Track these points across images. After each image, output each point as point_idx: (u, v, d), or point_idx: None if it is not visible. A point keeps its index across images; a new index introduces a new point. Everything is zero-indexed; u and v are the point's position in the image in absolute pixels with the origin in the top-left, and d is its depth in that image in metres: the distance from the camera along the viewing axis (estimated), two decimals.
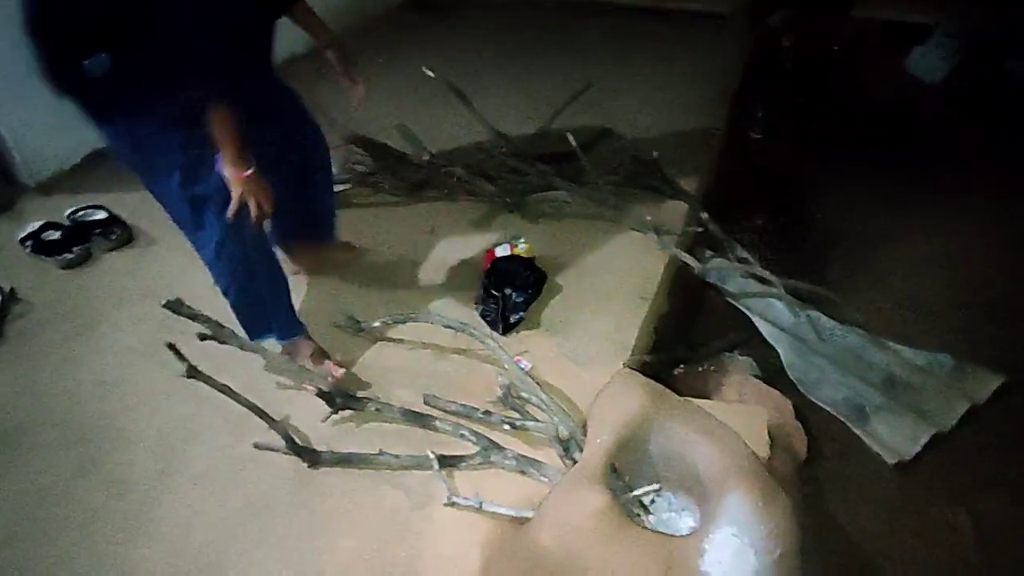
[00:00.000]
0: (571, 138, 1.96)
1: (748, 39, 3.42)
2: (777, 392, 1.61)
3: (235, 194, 1.29)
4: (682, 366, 1.75)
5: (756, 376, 1.71)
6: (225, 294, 1.46)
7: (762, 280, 1.90)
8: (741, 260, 1.97)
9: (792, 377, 1.71)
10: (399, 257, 1.91)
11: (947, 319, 1.88)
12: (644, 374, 1.58)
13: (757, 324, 1.87)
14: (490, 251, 1.81)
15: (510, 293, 1.65)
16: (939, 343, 1.75)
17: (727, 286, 2.00)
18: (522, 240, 1.85)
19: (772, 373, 1.75)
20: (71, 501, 1.32)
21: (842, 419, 1.59)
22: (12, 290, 1.82)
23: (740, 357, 1.83)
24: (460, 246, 1.93)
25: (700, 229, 1.99)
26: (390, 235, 1.98)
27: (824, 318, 1.86)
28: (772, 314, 1.90)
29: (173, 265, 1.91)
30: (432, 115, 2.43)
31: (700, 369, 1.74)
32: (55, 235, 1.96)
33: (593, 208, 2.02)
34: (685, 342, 1.88)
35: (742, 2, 3.52)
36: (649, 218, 1.94)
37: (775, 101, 3.10)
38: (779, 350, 1.78)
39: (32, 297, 1.82)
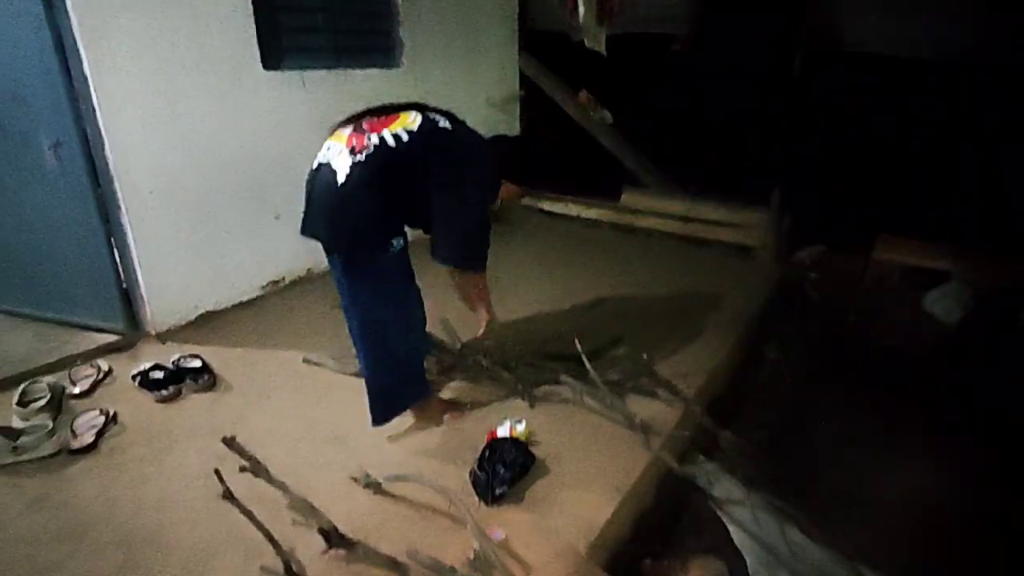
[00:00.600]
0: (578, 344, 2.34)
1: (775, 270, 3.84)
2: None
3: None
4: (649, 559, 1.90)
5: None
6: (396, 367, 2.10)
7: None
8: (728, 468, 2.17)
9: None
10: (419, 425, 2.25)
11: (921, 554, 1.94)
12: (612, 561, 1.77)
13: (730, 530, 2.00)
14: (492, 430, 2.12)
15: (499, 469, 1.92)
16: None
17: (712, 491, 2.17)
18: (522, 424, 2.15)
19: None
20: None
21: None
22: (115, 413, 2.28)
23: (713, 560, 1.95)
24: (471, 423, 2.26)
25: (687, 433, 2.23)
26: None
27: (798, 534, 1.98)
28: (748, 522, 2.03)
29: (242, 410, 2.35)
30: (468, 312, 2.90)
31: (666, 564, 1.88)
32: (159, 375, 2.46)
33: (592, 403, 2.32)
34: (661, 538, 2.03)
35: (771, 237, 4.01)
36: (639, 419, 2.21)
37: (795, 327, 3.40)
38: (746, 558, 1.90)
39: (128, 421, 2.27)
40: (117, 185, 2.57)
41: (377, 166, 1.85)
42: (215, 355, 2.65)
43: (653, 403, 2.38)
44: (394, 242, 1.95)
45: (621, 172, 4.61)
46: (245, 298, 3.18)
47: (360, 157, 1.86)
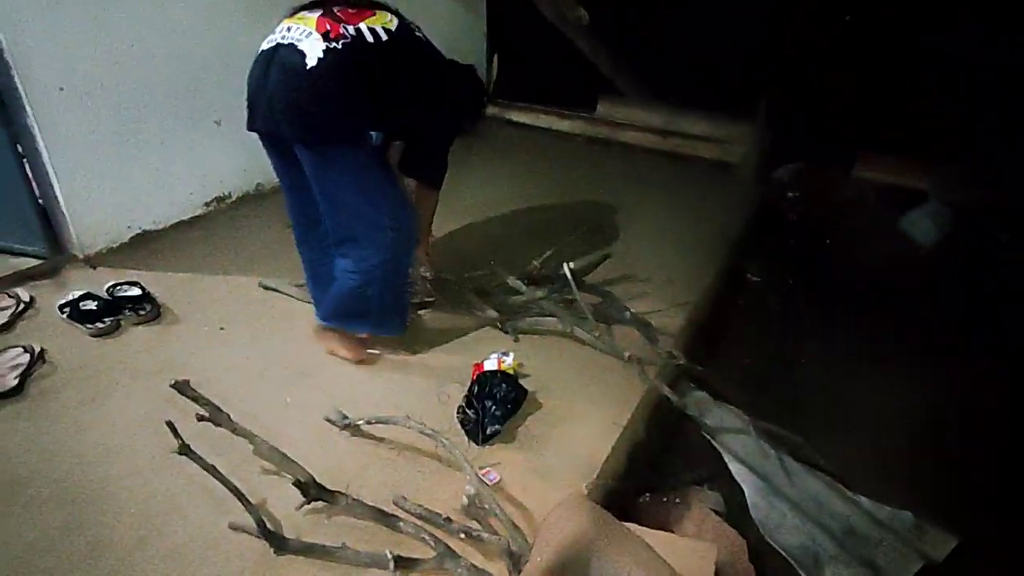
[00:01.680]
0: (567, 270, 2.15)
1: (755, 188, 3.69)
2: (734, 530, 1.66)
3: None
4: (648, 494, 1.81)
5: (718, 512, 1.76)
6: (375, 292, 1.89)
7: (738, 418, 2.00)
8: (719, 397, 2.08)
9: (753, 517, 1.75)
10: (393, 358, 2.06)
11: (914, 477, 1.92)
12: (609, 498, 1.66)
13: (727, 461, 1.93)
14: (478, 364, 1.95)
15: (490, 406, 1.77)
16: (902, 500, 1.79)
17: (705, 420, 2.08)
18: (510, 356, 1.98)
19: (736, 511, 1.80)
20: (52, 557, 1.40)
21: (796, 565, 1.62)
22: (42, 351, 1.99)
23: (708, 491, 1.89)
24: (452, 356, 2.08)
25: (681, 362, 2.11)
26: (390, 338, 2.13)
27: (793, 462, 1.93)
28: (743, 452, 1.96)
29: (192, 344, 2.09)
30: (445, 232, 2.67)
31: (665, 499, 1.80)
32: (92, 305, 2.16)
33: (581, 335, 2.16)
34: (656, 471, 1.94)
35: (751, 154, 3.83)
36: (628, 354, 2.06)
37: (776, 248, 3.30)
38: (744, 489, 1.84)
39: (59, 360, 1.99)
40: (17, 79, 2.14)
41: (354, 58, 1.66)
42: (156, 282, 2.35)
43: (637, 332, 2.24)
44: (372, 134, 1.80)
45: (597, 80, 4.28)
46: (187, 216, 2.83)
47: (336, 44, 1.64)
